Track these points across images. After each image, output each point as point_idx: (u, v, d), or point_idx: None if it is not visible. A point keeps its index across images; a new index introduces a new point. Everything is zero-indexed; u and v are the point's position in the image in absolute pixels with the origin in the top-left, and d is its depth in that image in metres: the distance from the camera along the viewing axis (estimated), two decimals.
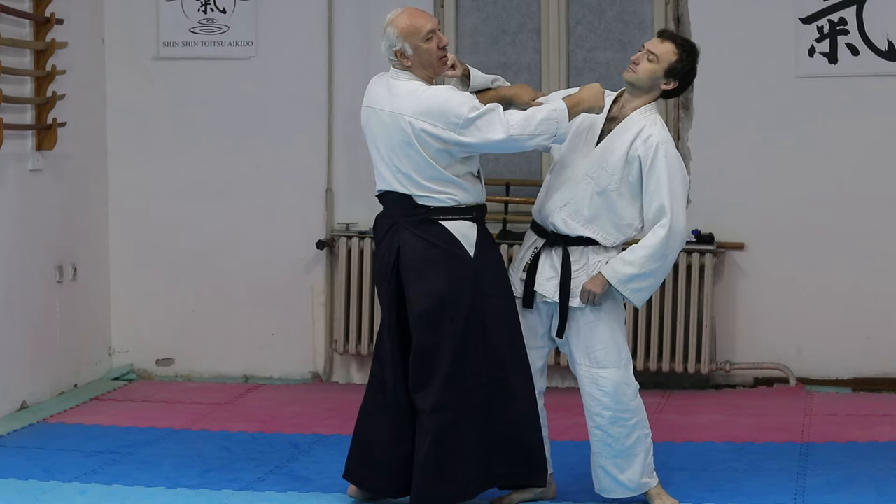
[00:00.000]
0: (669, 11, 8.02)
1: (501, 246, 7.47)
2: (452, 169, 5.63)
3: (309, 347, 8.46)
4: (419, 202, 5.65)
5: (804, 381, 8.05)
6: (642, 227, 5.73)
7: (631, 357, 5.85)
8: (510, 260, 6.36)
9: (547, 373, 6.01)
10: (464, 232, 5.68)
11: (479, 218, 5.76)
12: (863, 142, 7.92)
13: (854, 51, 7.85)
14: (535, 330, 5.85)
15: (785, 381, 8.06)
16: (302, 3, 8.30)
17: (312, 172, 8.35)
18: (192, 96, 8.42)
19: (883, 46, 7.83)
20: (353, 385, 8.30)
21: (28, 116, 7.67)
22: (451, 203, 5.66)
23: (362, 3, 8.20)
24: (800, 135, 7.96)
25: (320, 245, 8.32)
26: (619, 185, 5.69)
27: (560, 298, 5.73)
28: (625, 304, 5.86)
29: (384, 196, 5.77)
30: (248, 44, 8.36)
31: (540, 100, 5.75)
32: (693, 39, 6.71)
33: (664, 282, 6.51)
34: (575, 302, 5.72)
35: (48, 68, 7.69)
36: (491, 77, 5.92)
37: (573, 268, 5.73)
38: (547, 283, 5.77)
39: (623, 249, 5.74)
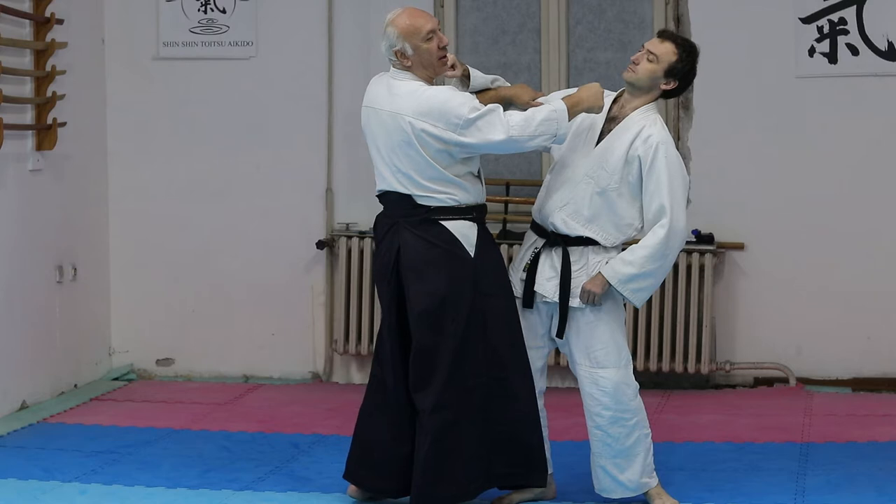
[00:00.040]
0: (669, 11, 8.01)
1: (501, 246, 7.47)
2: (453, 169, 5.63)
3: (309, 347, 8.45)
4: (419, 202, 5.65)
5: (804, 381, 8.05)
6: (642, 227, 5.72)
7: (631, 357, 5.84)
8: (510, 260, 6.36)
9: (547, 373, 6.01)
10: (464, 232, 5.67)
11: (480, 218, 5.75)
12: (863, 142, 7.91)
13: (854, 51, 7.84)
14: (535, 330, 5.84)
15: (785, 381, 8.05)
16: (302, 3, 8.30)
17: (312, 172, 8.35)
18: (192, 96, 8.42)
19: (883, 46, 7.82)
20: (353, 385, 8.30)
21: (28, 116, 7.67)
22: (452, 203, 5.65)
23: (362, 3, 8.20)
24: (800, 135, 7.96)
25: (320, 245, 8.32)
26: (619, 185, 5.68)
27: (560, 298, 5.73)
28: (625, 305, 5.86)
29: (384, 196, 5.76)
30: (248, 44, 8.36)
31: (539, 100, 5.75)
32: (693, 39, 6.69)
33: (664, 282, 6.51)
34: (575, 302, 5.72)
35: (48, 68, 7.68)
36: (491, 77, 5.92)
37: (573, 268, 5.72)
38: (547, 283, 5.77)
39: (623, 249, 5.75)
